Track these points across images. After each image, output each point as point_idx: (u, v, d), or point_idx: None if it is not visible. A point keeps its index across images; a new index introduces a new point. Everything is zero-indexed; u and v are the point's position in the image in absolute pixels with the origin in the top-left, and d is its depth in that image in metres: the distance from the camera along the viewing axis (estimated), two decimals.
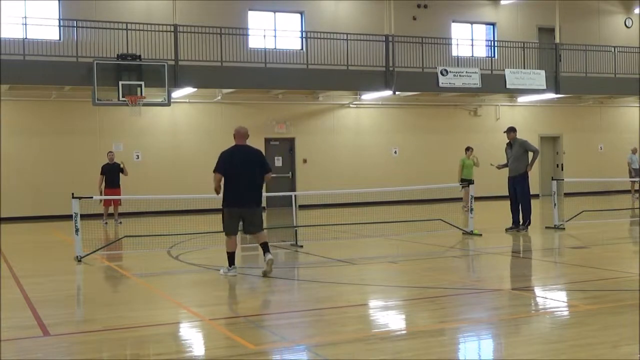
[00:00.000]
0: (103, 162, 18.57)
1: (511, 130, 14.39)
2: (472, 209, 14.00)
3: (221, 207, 9.43)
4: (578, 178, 24.36)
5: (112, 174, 18.02)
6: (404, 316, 7.16)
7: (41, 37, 19.61)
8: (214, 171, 9.41)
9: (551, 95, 24.65)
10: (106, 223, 17.77)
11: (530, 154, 14.25)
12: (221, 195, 9.42)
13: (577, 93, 25.87)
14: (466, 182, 19.93)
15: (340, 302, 7.74)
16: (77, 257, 11.03)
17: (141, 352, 5.84)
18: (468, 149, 21.03)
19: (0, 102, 19.78)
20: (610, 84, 25.36)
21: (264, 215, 20.79)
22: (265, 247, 9.42)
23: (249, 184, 9.34)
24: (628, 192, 24.58)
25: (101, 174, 18.06)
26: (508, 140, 14.43)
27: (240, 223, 9.58)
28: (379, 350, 5.62)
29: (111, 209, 18.17)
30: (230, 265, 9.42)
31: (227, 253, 9.43)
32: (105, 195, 17.45)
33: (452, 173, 21.15)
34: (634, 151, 24.39)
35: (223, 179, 9.34)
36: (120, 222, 17.92)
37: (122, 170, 18.10)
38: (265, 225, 15.39)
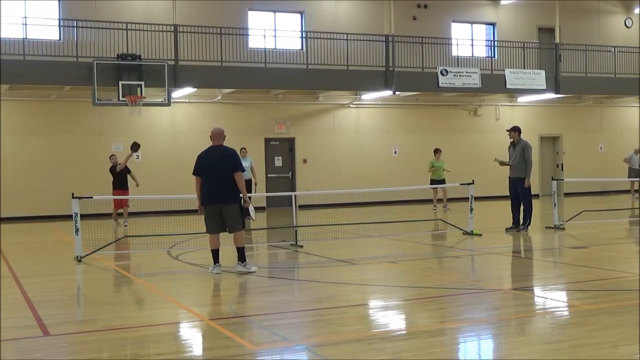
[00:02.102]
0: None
1: (514, 130, 14.34)
2: (472, 209, 14.00)
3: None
4: (578, 178, 24.36)
5: (118, 176, 17.63)
6: (404, 316, 7.16)
7: (41, 37, 19.60)
8: (193, 174, 9.67)
9: (551, 95, 24.66)
10: (119, 223, 17.45)
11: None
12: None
13: (577, 93, 25.88)
14: (436, 182, 20.12)
15: (340, 302, 7.74)
16: (77, 257, 11.03)
17: (141, 352, 5.84)
18: (436, 151, 21.16)
19: (0, 102, 19.78)
20: (610, 84, 25.36)
21: (264, 215, 20.79)
22: (239, 254, 9.53)
23: (221, 181, 9.43)
24: (628, 192, 24.58)
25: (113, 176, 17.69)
26: (512, 140, 14.38)
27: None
28: (379, 350, 5.61)
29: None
30: (214, 263, 9.59)
31: (211, 251, 9.62)
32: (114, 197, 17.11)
33: (453, 173, 21.17)
34: (636, 152, 24.36)
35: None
36: (126, 225, 17.45)
37: (129, 172, 17.73)
38: (265, 225, 15.33)
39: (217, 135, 9.75)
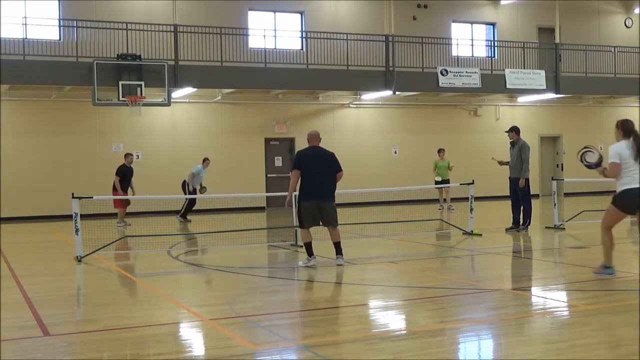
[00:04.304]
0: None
1: (512, 130, 14.35)
2: (472, 209, 13.99)
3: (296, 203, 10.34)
4: (578, 178, 24.33)
5: (128, 178, 17.37)
6: (404, 316, 7.16)
7: (41, 37, 19.60)
8: (292, 169, 10.29)
9: (551, 95, 24.65)
10: (129, 224, 17.05)
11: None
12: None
13: (577, 93, 25.87)
14: (440, 182, 20.15)
15: (340, 302, 7.74)
16: (77, 257, 11.03)
17: (141, 352, 5.84)
18: (440, 150, 21.20)
19: (0, 102, 19.78)
20: (610, 84, 25.35)
21: (264, 215, 20.76)
22: (337, 248, 10.12)
23: (324, 180, 10.06)
24: None
25: (117, 174, 17.29)
26: (510, 140, 14.37)
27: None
28: (379, 350, 5.61)
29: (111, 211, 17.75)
30: (309, 256, 9.98)
31: (304, 244, 10.06)
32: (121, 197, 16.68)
33: (453, 173, 21.19)
34: None
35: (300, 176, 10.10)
36: (130, 224, 17.28)
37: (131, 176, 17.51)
38: (265, 225, 15.35)
39: (315, 136, 10.38)
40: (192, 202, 18.23)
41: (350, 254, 11.69)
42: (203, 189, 18.35)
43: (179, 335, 6.55)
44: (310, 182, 10.01)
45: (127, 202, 17.24)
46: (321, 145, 10.66)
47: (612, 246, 8.54)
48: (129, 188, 17.57)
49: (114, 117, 20.98)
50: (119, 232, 15.76)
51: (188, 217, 18.44)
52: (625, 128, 8.33)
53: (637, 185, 8.15)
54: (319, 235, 14.38)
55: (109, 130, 21.22)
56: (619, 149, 8.28)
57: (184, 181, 18.50)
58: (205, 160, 18.77)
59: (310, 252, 10.04)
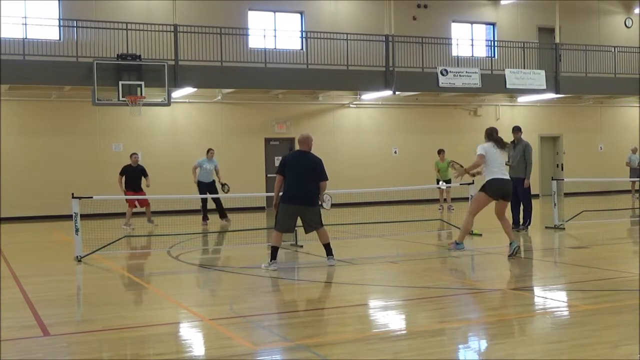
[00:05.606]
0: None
1: (517, 130, 14.36)
2: None
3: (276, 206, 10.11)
4: (578, 178, 24.36)
5: (134, 177, 17.00)
6: (404, 316, 7.16)
7: (41, 37, 19.60)
8: (276, 173, 10.10)
9: (551, 95, 24.66)
10: (133, 228, 16.45)
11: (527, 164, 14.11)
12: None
13: (577, 93, 25.88)
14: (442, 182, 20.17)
15: (340, 302, 7.74)
16: (77, 257, 11.03)
17: (141, 352, 5.84)
18: (440, 151, 21.18)
19: (0, 102, 19.78)
20: (610, 84, 25.36)
21: (264, 215, 20.78)
22: (327, 249, 10.10)
23: (307, 185, 9.80)
24: (628, 192, 24.58)
25: (120, 174, 16.94)
26: (512, 139, 14.35)
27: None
28: (379, 350, 5.61)
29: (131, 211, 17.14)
30: (272, 260, 9.71)
31: (271, 247, 9.80)
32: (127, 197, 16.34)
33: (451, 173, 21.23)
34: (634, 151, 24.40)
35: (284, 180, 9.92)
36: (157, 225, 16.95)
37: (145, 175, 17.11)
38: (265, 225, 15.40)
39: (303, 141, 10.03)
40: (204, 202, 17.61)
41: (350, 254, 11.70)
42: (225, 187, 17.58)
43: (179, 335, 6.55)
44: (292, 186, 9.79)
45: (135, 202, 16.85)
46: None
47: (469, 229, 10.67)
48: (141, 186, 17.15)
49: (114, 117, 20.98)
50: (125, 233, 15.50)
51: (222, 217, 17.77)
52: (488, 133, 10.69)
53: (502, 176, 10.43)
54: (314, 235, 14.37)
55: (109, 130, 21.22)
56: (485, 147, 10.56)
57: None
58: (209, 151, 17.98)
59: (274, 257, 9.69)
